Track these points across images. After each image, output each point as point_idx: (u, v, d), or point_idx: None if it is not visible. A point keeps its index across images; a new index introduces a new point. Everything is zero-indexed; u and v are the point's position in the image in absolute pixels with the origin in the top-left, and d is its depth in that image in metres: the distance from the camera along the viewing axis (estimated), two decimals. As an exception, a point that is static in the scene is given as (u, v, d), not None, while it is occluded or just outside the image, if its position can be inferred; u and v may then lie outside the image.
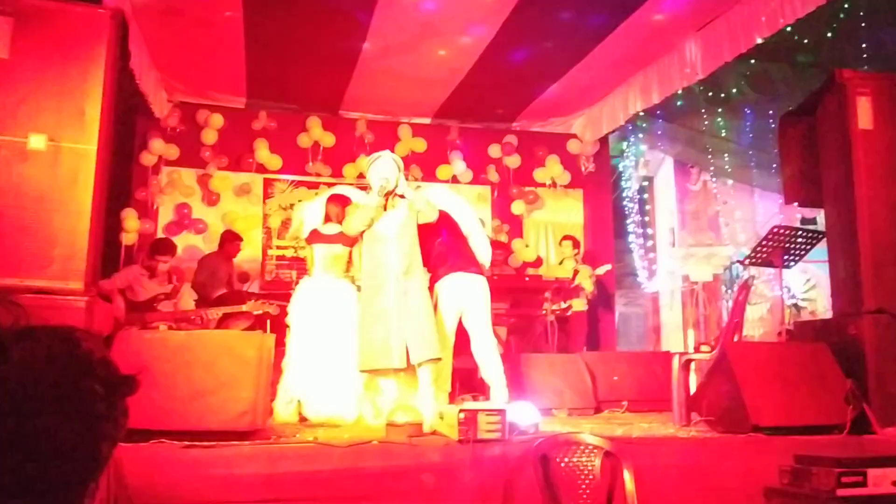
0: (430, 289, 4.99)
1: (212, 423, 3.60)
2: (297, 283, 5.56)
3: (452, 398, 5.03)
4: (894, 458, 2.80)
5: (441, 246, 5.11)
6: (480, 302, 5.08)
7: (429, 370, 4.70)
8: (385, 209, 4.89)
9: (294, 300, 5.21)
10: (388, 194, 4.85)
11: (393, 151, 5.45)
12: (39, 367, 0.84)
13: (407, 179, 5.11)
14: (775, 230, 5.24)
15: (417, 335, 4.64)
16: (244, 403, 3.69)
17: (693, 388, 4.92)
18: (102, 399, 0.87)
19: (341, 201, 5.38)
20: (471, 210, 5.50)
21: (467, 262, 5.13)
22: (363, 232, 4.94)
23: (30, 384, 0.82)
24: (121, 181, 7.23)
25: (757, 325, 10.47)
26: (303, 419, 4.92)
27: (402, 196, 4.90)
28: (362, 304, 4.86)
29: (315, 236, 5.33)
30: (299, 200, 8.36)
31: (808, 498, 2.70)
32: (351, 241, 5.18)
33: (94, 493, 0.92)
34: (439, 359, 4.71)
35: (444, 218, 5.10)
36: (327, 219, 5.35)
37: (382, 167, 4.91)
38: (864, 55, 7.04)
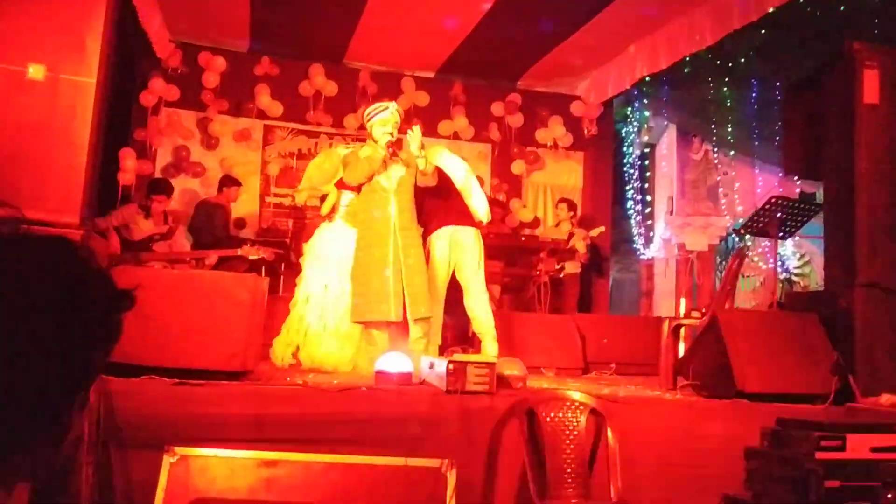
0: (424, 243, 5.00)
1: (203, 363, 3.63)
2: (293, 231, 5.57)
3: (443, 351, 5.07)
4: (874, 425, 2.85)
5: (434, 200, 5.10)
6: (473, 255, 5.10)
7: (420, 325, 4.75)
8: (387, 162, 4.86)
9: (313, 243, 5.22)
10: (393, 146, 4.83)
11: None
12: (34, 270, 0.83)
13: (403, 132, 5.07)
14: (773, 200, 5.25)
15: (414, 292, 4.68)
16: (236, 344, 3.72)
17: (682, 354, 4.97)
18: (97, 307, 0.87)
19: None
20: (466, 166, 5.46)
21: (460, 215, 5.13)
22: (363, 184, 4.92)
23: (23, 287, 0.82)
24: (120, 120, 7.17)
25: (749, 297, 10.51)
26: (298, 364, 4.96)
27: (395, 152, 4.84)
28: (358, 255, 4.87)
29: (343, 182, 5.21)
30: (298, 149, 8.33)
31: (788, 460, 2.74)
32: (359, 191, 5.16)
33: (83, 404, 0.93)
34: (430, 317, 4.82)
35: (439, 173, 5.08)
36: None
37: (388, 119, 4.87)
38: (876, 30, 6.95)
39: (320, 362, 4.86)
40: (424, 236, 5.07)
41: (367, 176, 4.84)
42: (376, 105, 5.05)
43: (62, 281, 0.85)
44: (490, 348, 5.00)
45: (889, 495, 2.67)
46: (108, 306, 0.89)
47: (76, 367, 0.87)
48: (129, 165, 7.35)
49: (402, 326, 4.76)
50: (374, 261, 4.72)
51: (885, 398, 3.93)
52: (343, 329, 4.96)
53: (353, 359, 4.96)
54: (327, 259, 5.10)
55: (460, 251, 5.08)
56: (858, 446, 2.67)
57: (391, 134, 4.81)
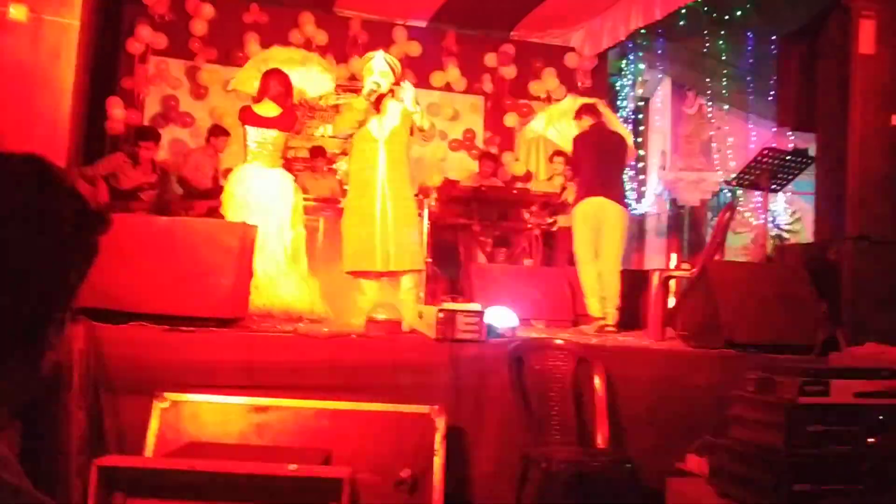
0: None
1: (192, 310, 3.62)
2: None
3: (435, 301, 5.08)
4: (857, 370, 2.88)
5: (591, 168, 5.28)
6: (616, 228, 5.23)
7: (411, 276, 4.76)
8: (378, 111, 4.80)
9: (231, 190, 4.88)
10: (377, 97, 4.75)
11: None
12: (5, 185, 0.82)
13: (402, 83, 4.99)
14: (765, 152, 5.22)
15: (400, 243, 4.68)
16: (225, 291, 3.71)
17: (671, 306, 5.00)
18: (71, 224, 0.86)
19: (282, 81, 5.03)
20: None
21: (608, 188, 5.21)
22: (351, 134, 4.88)
23: None
24: (107, 68, 7.06)
25: (740, 253, 10.56)
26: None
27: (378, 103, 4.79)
28: (348, 204, 4.86)
29: (249, 116, 4.89)
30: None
31: (772, 405, 2.78)
32: (288, 126, 5.01)
33: (61, 327, 0.92)
34: (421, 270, 4.79)
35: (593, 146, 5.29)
36: (262, 96, 4.96)
37: (375, 69, 4.80)
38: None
39: (274, 305, 4.78)
40: (576, 201, 5.21)
41: (352, 127, 4.80)
42: (367, 54, 4.99)
43: (33, 196, 0.83)
44: (610, 317, 5.10)
45: (871, 439, 2.71)
46: (81, 224, 0.88)
47: (50, 284, 0.85)
48: (117, 114, 7.24)
49: (392, 276, 4.76)
50: (360, 211, 4.71)
51: (870, 347, 3.96)
52: (296, 270, 4.90)
53: (311, 300, 4.92)
54: (250, 206, 4.81)
55: (604, 222, 5.16)
56: (842, 391, 2.70)
57: (377, 84, 4.74)
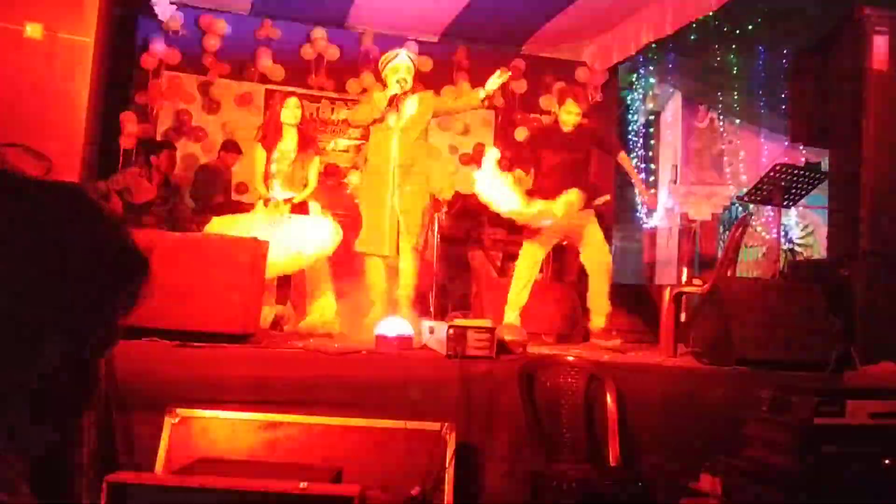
0: None
1: (204, 325, 3.63)
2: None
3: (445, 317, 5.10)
4: (873, 390, 2.85)
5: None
6: None
7: (413, 254, 4.92)
8: (397, 110, 4.90)
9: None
10: (394, 98, 4.84)
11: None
12: (43, 217, 0.77)
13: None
14: (778, 168, 5.20)
15: (408, 222, 4.89)
16: (236, 307, 3.72)
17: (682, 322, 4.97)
18: (110, 269, 0.82)
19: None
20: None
21: None
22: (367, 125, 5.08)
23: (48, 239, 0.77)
24: (121, 83, 7.11)
25: (752, 268, 10.50)
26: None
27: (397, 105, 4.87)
28: (363, 190, 5.15)
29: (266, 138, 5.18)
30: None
31: (787, 426, 2.75)
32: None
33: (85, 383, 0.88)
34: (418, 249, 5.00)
35: None
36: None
37: (401, 66, 4.89)
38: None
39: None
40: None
41: (367, 120, 5.00)
42: (389, 53, 5.05)
43: (74, 232, 0.79)
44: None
45: (887, 461, 2.67)
46: (122, 269, 0.85)
47: (103, 329, 0.83)
48: (130, 129, 7.29)
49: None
50: (373, 196, 4.93)
51: (886, 367, 3.92)
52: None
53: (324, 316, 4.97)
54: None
55: None
56: (857, 412, 2.67)
57: (404, 80, 4.83)
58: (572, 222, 5.17)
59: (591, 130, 5.59)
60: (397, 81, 4.82)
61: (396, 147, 4.87)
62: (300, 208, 5.05)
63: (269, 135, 5.05)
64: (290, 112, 5.06)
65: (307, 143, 5.18)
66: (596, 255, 5.33)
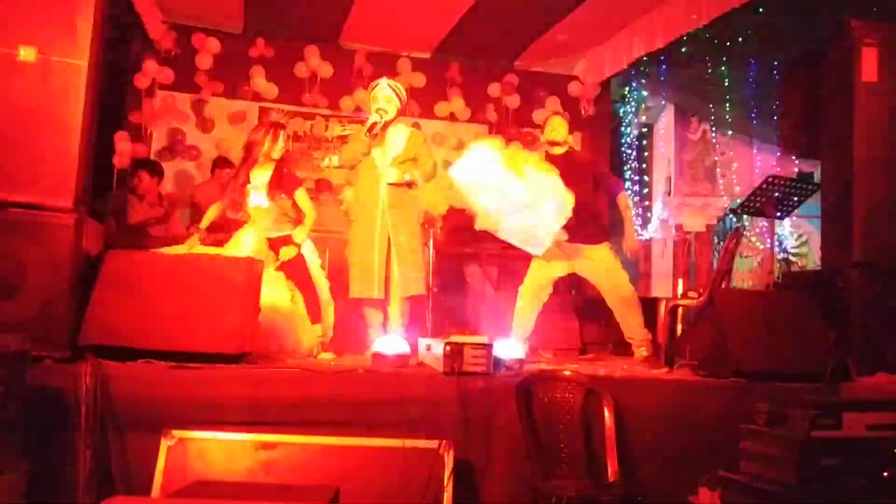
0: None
1: (199, 346, 3.62)
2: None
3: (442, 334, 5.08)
4: (870, 403, 2.85)
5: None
6: None
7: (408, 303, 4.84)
8: (380, 142, 4.84)
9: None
10: (383, 125, 4.80)
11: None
12: None
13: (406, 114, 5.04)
14: (771, 179, 5.23)
15: (406, 270, 4.73)
16: (231, 327, 3.71)
17: (679, 334, 4.97)
18: None
19: None
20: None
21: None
22: (356, 165, 4.93)
23: None
24: (114, 103, 7.11)
25: (747, 278, 10.51)
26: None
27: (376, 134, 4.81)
28: (353, 231, 4.96)
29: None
30: (294, 131, 8.26)
31: (783, 439, 2.75)
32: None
33: None
34: (420, 294, 4.92)
35: None
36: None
37: (380, 96, 4.85)
38: (875, 7, 6.90)
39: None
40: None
41: (356, 158, 4.86)
42: (371, 84, 5.05)
43: None
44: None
45: (885, 473, 2.67)
46: None
47: None
48: (124, 149, 7.29)
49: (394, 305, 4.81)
50: (362, 238, 4.80)
51: (881, 378, 3.93)
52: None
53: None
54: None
55: None
56: (854, 424, 2.67)
57: (383, 111, 4.78)
58: (577, 256, 5.16)
59: (591, 161, 5.55)
60: (377, 111, 4.81)
61: (384, 186, 4.80)
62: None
63: (248, 161, 4.99)
64: (276, 146, 4.99)
65: (280, 183, 4.99)
66: (614, 290, 5.23)
